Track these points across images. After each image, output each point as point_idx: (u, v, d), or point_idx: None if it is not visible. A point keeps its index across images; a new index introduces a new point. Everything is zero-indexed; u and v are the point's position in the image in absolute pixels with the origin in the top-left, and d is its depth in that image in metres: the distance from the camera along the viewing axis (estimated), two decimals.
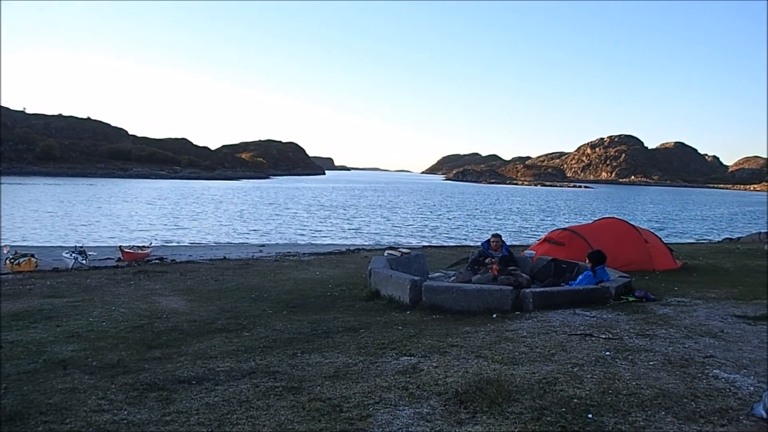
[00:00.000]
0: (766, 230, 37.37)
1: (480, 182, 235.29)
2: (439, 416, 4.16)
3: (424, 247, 25.31)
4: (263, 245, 28.62)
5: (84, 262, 17.76)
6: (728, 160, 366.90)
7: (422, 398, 4.54)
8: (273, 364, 5.80)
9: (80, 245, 20.11)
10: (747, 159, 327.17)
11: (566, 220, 52.19)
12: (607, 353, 5.80)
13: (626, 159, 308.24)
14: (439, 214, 58.41)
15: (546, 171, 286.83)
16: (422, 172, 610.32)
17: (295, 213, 53.37)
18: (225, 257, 19.74)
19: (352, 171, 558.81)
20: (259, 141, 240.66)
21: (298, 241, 32.38)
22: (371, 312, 8.86)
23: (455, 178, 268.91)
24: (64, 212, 43.65)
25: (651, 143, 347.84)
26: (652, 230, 18.07)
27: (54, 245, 25.29)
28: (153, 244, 24.61)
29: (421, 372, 5.26)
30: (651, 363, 5.46)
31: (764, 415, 4.02)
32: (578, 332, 6.75)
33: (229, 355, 6.27)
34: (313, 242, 32.23)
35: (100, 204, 53.50)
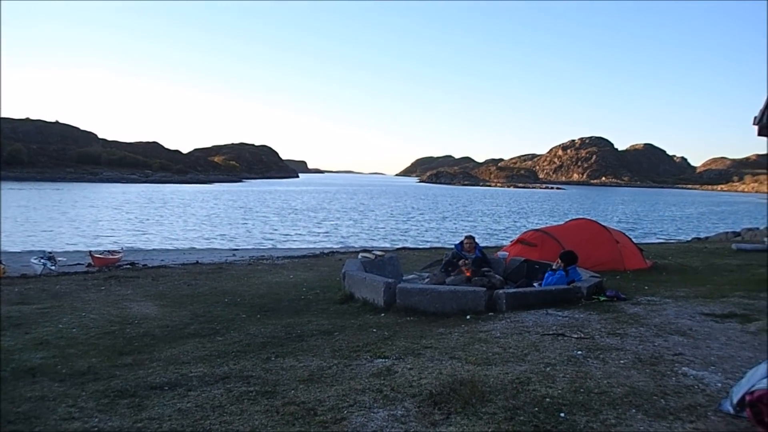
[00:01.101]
0: (732, 230, 38.16)
1: (454, 184, 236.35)
2: (414, 418, 4.17)
3: (397, 249, 25.35)
4: (236, 249, 28.43)
5: (53, 268, 17.48)
6: (696, 161, 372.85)
7: (396, 400, 4.55)
8: (247, 368, 5.76)
9: (49, 251, 19.80)
10: (714, 160, 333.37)
11: (538, 222, 52.71)
12: (579, 353, 5.87)
13: (597, 160, 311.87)
14: (412, 217, 58.56)
15: (518, 173, 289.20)
16: (396, 175, 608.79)
17: (266, 217, 53.06)
18: (198, 261, 19.58)
19: (326, 174, 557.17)
20: (232, 144, 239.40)
21: (268, 245, 32.23)
22: (345, 315, 8.86)
23: (429, 180, 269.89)
24: (27, 218, 42.82)
25: (621, 145, 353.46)
26: (622, 231, 18.32)
27: (21, 251, 24.83)
28: (124, 249, 24.32)
29: (396, 374, 5.27)
30: (622, 362, 5.54)
31: (731, 410, 4.11)
32: (551, 332, 6.82)
33: (202, 360, 6.23)
34: (285, 246, 32.11)
35: (65, 209, 52.60)
